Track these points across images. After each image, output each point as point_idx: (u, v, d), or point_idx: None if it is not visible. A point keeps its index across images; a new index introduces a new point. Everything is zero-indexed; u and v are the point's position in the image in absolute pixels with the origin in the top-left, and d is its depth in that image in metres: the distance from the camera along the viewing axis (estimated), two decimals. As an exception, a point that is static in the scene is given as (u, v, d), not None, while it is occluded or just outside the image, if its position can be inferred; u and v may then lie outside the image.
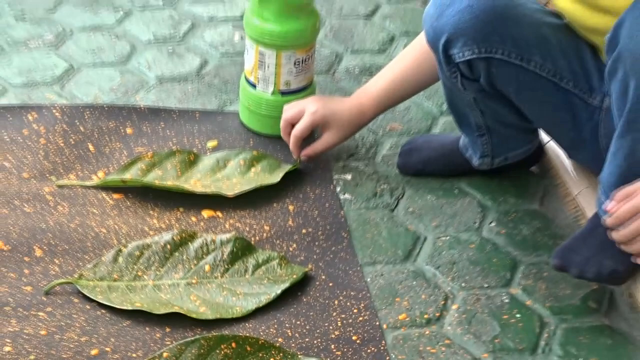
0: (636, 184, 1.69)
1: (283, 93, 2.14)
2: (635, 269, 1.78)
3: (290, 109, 2.06)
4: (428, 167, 2.12)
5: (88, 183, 2.00)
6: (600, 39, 1.78)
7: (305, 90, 2.16)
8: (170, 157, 2.05)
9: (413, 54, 2.06)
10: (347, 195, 2.06)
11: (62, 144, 2.08)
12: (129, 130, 2.14)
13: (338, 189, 2.07)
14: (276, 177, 2.02)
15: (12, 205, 1.93)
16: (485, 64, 1.87)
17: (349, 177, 2.10)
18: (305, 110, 2.04)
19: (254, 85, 2.15)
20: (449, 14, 1.85)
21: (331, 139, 2.07)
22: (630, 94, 1.66)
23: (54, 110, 2.16)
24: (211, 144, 2.14)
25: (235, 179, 2.02)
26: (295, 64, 2.12)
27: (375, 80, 2.09)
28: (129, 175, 2.00)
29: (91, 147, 2.09)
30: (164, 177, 2.01)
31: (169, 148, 2.10)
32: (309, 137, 2.08)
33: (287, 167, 2.05)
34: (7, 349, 1.66)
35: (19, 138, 2.09)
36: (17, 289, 1.77)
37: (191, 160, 2.04)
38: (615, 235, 1.72)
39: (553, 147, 2.10)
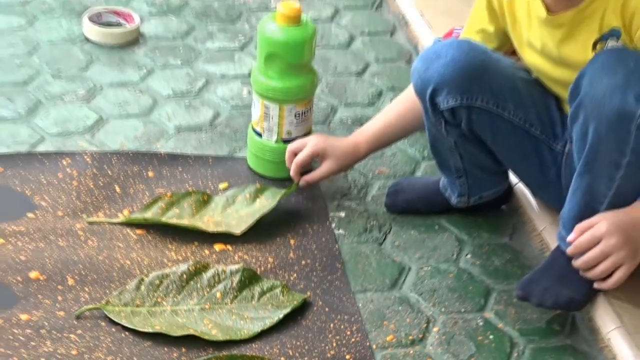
0: (593, 218, 1.69)
1: (285, 141, 2.13)
2: (591, 296, 1.77)
3: (295, 142, 2.07)
4: (412, 206, 2.12)
5: (114, 220, 2.00)
6: (562, 89, 1.79)
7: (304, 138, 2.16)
8: (186, 197, 2.04)
9: (402, 104, 2.07)
10: (341, 231, 2.05)
11: (92, 186, 2.08)
12: (150, 174, 2.14)
13: (333, 225, 2.06)
14: (274, 201, 2.02)
15: (48, 239, 1.92)
16: (466, 111, 1.87)
17: (342, 214, 2.09)
18: (307, 143, 2.05)
19: (259, 135, 2.14)
20: (435, 67, 1.85)
21: (328, 169, 2.06)
22: (589, 137, 1.66)
23: (85, 156, 2.16)
24: (222, 185, 2.13)
25: (243, 211, 2.01)
26: (295, 115, 2.12)
27: (370, 124, 2.09)
28: (150, 214, 2.00)
29: (117, 189, 2.08)
30: (181, 215, 2.00)
31: (186, 189, 2.09)
32: (309, 169, 2.09)
33: (283, 191, 2.05)
34: (42, 367, 1.65)
35: (54, 181, 2.08)
36: (52, 313, 1.76)
37: (205, 200, 2.04)
38: (577, 263, 1.71)
39: (521, 188, 2.10)
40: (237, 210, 2.02)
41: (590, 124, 1.65)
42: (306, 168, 2.09)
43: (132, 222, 1.99)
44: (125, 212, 2.02)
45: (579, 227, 1.70)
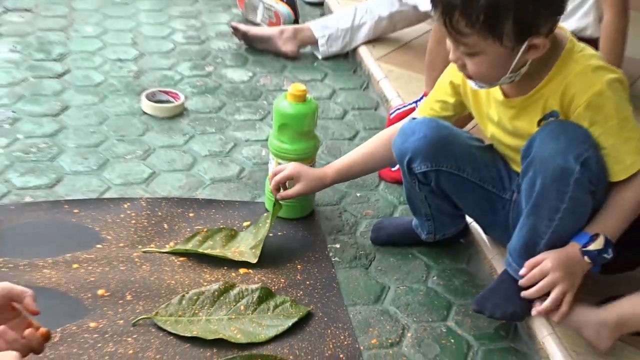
0: (539, 256, 1.67)
1: (294, 190, 2.12)
2: (529, 311, 1.75)
3: (277, 167, 2.04)
4: (391, 239, 2.10)
5: (163, 250, 1.98)
6: (513, 152, 1.79)
7: (309, 188, 2.15)
8: (218, 232, 2.03)
9: (368, 147, 2.04)
10: (336, 258, 2.03)
11: (146, 224, 2.07)
12: (191, 214, 2.13)
13: (330, 254, 2.04)
14: (268, 223, 1.99)
15: (112, 264, 1.91)
16: (435, 174, 1.87)
17: (338, 246, 2.08)
18: (286, 168, 2.02)
19: (275, 185, 2.14)
20: (411, 141, 1.86)
21: (298, 190, 2.01)
22: (537, 187, 1.65)
23: (141, 201, 2.15)
24: (246, 223, 2.12)
25: (250, 242, 1.99)
26: (302, 170, 2.11)
27: (340, 159, 2.07)
28: (190, 245, 1.98)
29: (166, 226, 2.07)
30: (214, 246, 1.99)
31: (218, 226, 2.08)
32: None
33: (271, 213, 2.01)
34: (105, 363, 1.63)
35: (117, 220, 2.07)
36: (113, 322, 1.75)
37: (232, 235, 2.02)
38: (529, 292, 1.68)
39: (475, 226, 2.08)
40: (254, 236, 2.00)
41: (538, 177, 1.64)
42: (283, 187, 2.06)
43: (176, 252, 1.98)
44: (172, 243, 2.01)
45: (528, 263, 1.67)
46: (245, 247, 1.99)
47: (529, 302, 1.72)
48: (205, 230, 2.03)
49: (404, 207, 2.21)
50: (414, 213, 2.05)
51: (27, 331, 1.45)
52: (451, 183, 1.88)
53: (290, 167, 2.02)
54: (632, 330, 1.66)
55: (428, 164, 1.85)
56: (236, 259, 1.95)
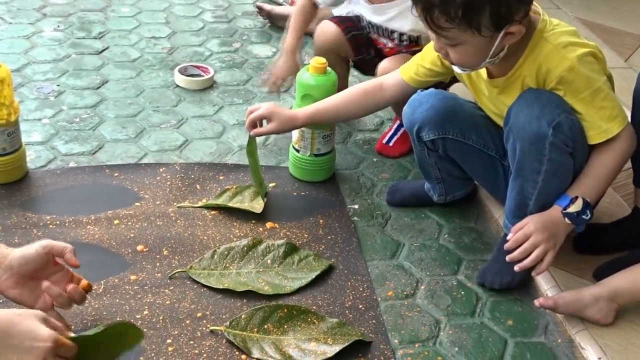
0: (523, 220, 1.63)
1: (316, 155, 2.09)
2: (524, 278, 1.74)
3: (254, 106, 1.95)
4: (405, 201, 2.07)
5: (196, 205, 1.96)
6: (502, 121, 1.75)
7: (330, 153, 2.11)
8: (245, 189, 2.01)
9: (345, 95, 1.95)
10: (355, 218, 2.01)
11: (180, 185, 2.05)
12: (221, 177, 2.10)
13: (350, 213, 2.02)
14: (255, 156, 1.96)
15: (149, 220, 1.89)
16: (442, 141, 1.84)
17: (356, 206, 2.05)
18: (261, 107, 1.92)
19: (298, 150, 2.10)
20: (419, 112, 1.83)
21: (270, 128, 1.92)
22: (517, 152, 1.63)
23: (176, 166, 2.13)
24: (272, 185, 2.09)
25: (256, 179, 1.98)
26: (323, 137, 2.07)
27: (314, 104, 1.97)
28: (220, 200, 1.96)
29: (198, 187, 2.05)
30: (242, 201, 1.97)
31: (246, 187, 2.06)
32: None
33: (249, 148, 1.95)
34: (145, 312, 1.63)
35: (154, 181, 2.06)
36: (152, 275, 1.73)
37: (257, 192, 2.00)
38: (514, 254, 1.61)
39: (483, 188, 2.05)
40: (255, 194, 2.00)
41: (517, 143, 1.62)
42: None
43: (208, 206, 1.95)
44: (204, 200, 1.99)
45: (514, 228, 1.63)
46: (251, 195, 1.98)
47: (526, 272, 1.67)
48: (234, 187, 2.01)
49: (417, 171, 2.18)
50: (425, 177, 2.02)
51: (70, 287, 1.44)
52: (457, 149, 1.85)
53: (264, 107, 1.92)
54: (627, 302, 1.62)
55: (435, 132, 1.83)
56: (259, 212, 1.92)
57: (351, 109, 1.95)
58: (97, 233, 1.84)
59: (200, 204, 1.97)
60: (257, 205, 1.95)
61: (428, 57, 1.84)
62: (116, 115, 2.37)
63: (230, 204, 1.95)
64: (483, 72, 1.73)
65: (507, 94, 1.69)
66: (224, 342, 1.57)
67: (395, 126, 2.32)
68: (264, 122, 1.94)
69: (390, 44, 2.21)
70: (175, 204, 1.96)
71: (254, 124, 1.94)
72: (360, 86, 1.96)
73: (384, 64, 2.13)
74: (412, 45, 2.17)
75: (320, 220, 1.96)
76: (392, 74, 1.91)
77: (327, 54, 2.19)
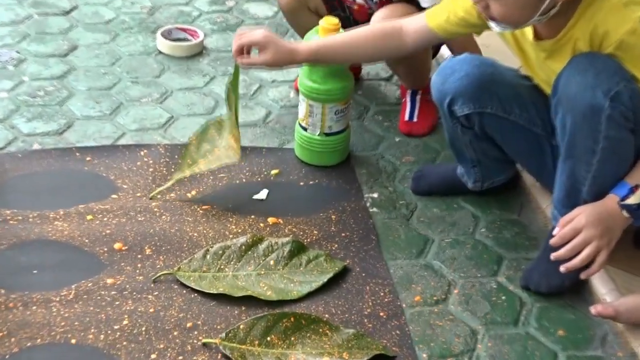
0: (573, 212, 1.63)
1: (327, 134, 2.09)
2: (575, 281, 1.72)
3: (246, 28, 1.91)
4: (434, 188, 2.07)
5: (166, 185, 1.98)
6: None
7: (343, 132, 2.12)
8: (209, 132, 2.00)
9: (351, 36, 1.91)
10: (374, 209, 2.01)
11: (165, 172, 2.06)
12: (214, 162, 2.11)
13: (368, 204, 2.02)
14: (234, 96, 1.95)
15: (129, 215, 1.90)
16: (478, 117, 1.84)
17: (375, 195, 2.06)
18: (255, 32, 1.88)
19: (305, 129, 2.11)
20: (451, 81, 1.83)
21: (262, 59, 1.87)
22: (567, 128, 1.62)
23: (159, 148, 2.14)
24: (274, 172, 2.10)
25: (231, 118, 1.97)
26: (335, 113, 2.08)
27: (319, 40, 1.95)
28: (188, 169, 1.98)
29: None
30: (212, 153, 1.97)
31: (243, 175, 2.06)
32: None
33: (233, 77, 1.95)
34: (125, 322, 1.64)
35: (133, 168, 2.06)
36: (132, 278, 1.74)
37: (231, 136, 1.96)
38: (560, 252, 1.62)
39: (527, 173, 2.05)
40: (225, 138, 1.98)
41: (567, 117, 1.62)
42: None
43: (179, 180, 1.97)
44: (193, 192, 1.99)
45: (562, 220, 1.64)
46: (224, 142, 1.96)
47: (576, 273, 1.67)
48: (194, 138, 2.00)
49: (447, 152, 2.17)
50: (458, 159, 2.02)
51: None
52: (496, 126, 1.85)
53: (258, 33, 1.87)
54: None
55: (471, 106, 1.82)
56: (220, 164, 1.93)
57: (367, 49, 1.90)
58: (66, 229, 1.85)
59: (189, 197, 1.98)
60: (232, 153, 1.91)
61: (462, 4, 1.81)
62: (87, 87, 2.37)
63: (202, 167, 1.94)
64: (529, 31, 1.72)
65: (556, 58, 1.68)
66: (219, 357, 1.58)
67: (408, 97, 2.32)
68: (256, 51, 1.88)
69: (359, 0, 2.24)
70: (159, 196, 1.97)
71: (242, 51, 1.89)
72: (377, 26, 1.95)
73: (379, 14, 2.13)
74: (384, 2, 2.17)
75: (333, 216, 1.96)
76: (414, 18, 1.87)
77: (299, 12, 2.25)
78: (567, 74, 1.61)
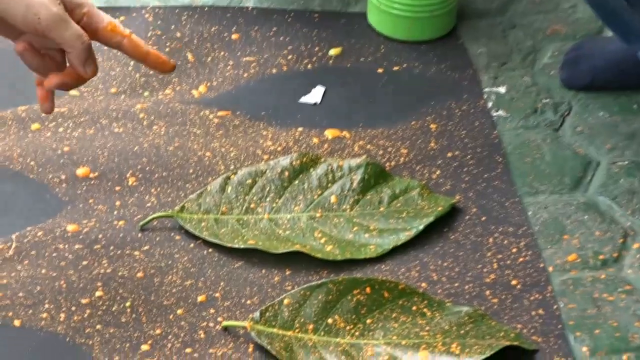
0: None
1: (422, -12, 2.12)
2: None
3: None
4: (599, 78, 2.09)
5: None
6: None
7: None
8: None
9: None
10: (500, 112, 2.03)
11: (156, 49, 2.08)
12: (234, 36, 2.14)
13: (489, 104, 2.04)
14: None
15: (99, 125, 1.94)
16: None
17: (502, 90, 2.08)
18: None
19: (385, -19, 2.13)
20: None
21: None
22: None
23: (145, 13, 2.17)
24: (334, 51, 2.12)
25: None
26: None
27: None
28: None
29: (190, 56, 2.09)
30: None
31: (283, 58, 2.08)
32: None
33: None
34: (98, 294, 1.67)
35: (103, 47, 2.08)
36: (108, 224, 1.78)
37: None
38: None
39: None
40: None
41: None
42: None
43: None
44: (202, 87, 2.02)
45: None
46: None
47: None
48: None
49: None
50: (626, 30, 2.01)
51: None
52: None
53: None
54: None
55: None
56: None
57: None
58: None
59: (195, 95, 2.01)
60: None
61: None
62: None
63: None
64: None
65: None
66: (249, 349, 1.62)
67: None
68: None
69: None
70: (146, 93, 2.01)
71: None
72: None
73: None
74: None
75: (432, 122, 1.99)
76: None
77: None
78: None
